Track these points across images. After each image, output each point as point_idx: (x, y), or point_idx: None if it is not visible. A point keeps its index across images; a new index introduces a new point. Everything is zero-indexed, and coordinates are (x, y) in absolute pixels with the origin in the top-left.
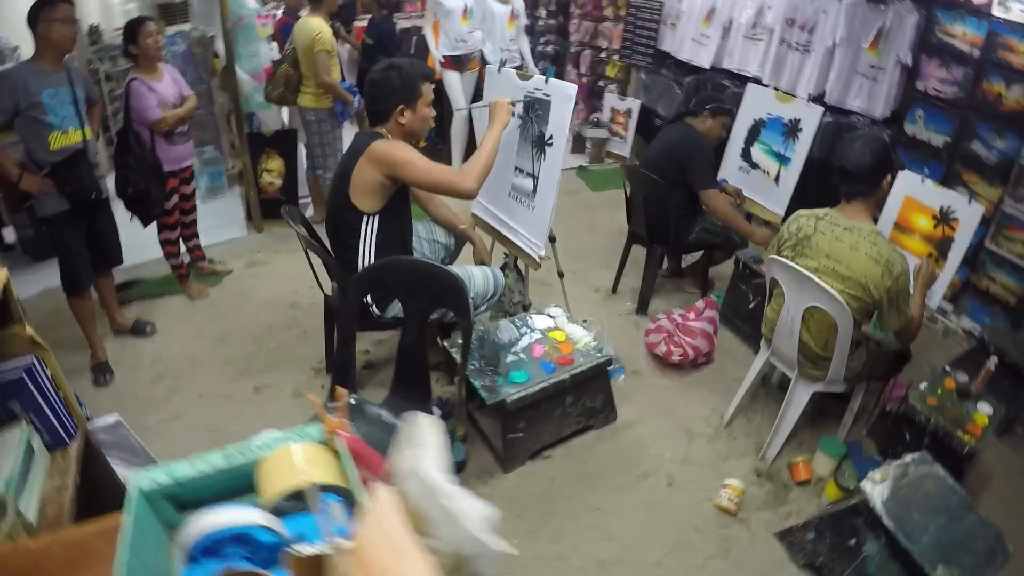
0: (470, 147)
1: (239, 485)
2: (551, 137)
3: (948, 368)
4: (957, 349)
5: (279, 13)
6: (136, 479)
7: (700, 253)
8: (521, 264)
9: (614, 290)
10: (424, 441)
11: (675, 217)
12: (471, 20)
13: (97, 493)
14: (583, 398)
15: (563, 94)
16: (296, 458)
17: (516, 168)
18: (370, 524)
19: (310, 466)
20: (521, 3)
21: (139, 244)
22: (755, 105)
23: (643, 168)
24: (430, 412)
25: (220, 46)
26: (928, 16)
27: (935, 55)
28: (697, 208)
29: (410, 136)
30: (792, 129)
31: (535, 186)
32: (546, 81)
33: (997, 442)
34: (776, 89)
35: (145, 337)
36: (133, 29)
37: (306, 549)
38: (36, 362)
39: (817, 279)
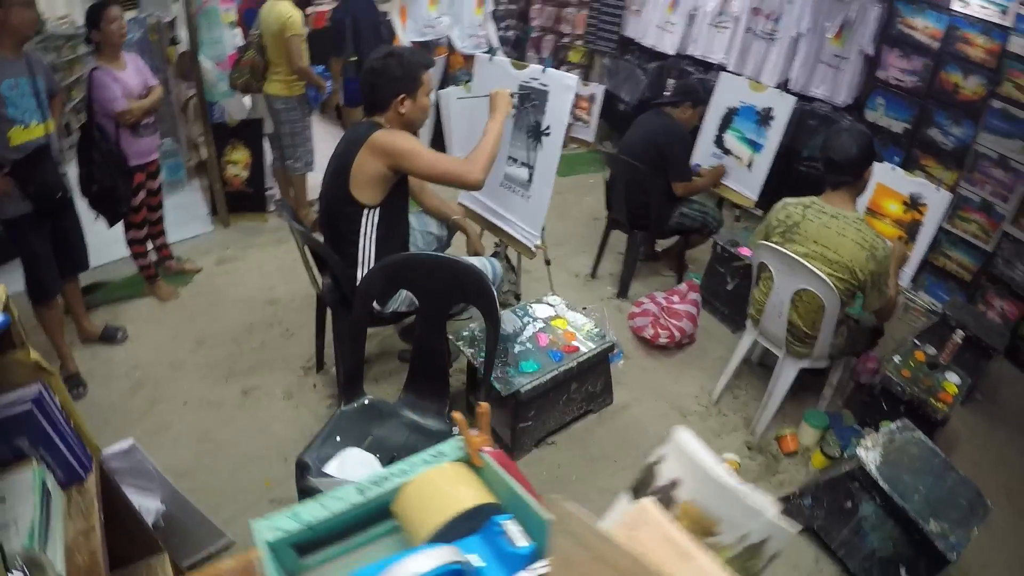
0: (436, 135)
1: (366, 517)
2: (548, 127)
3: (917, 341)
4: (916, 323)
5: None
6: (259, 529)
7: (676, 237)
8: (511, 253)
9: (593, 275)
10: (696, 448)
11: (656, 203)
12: (439, 5)
13: (116, 529)
14: (586, 384)
15: (562, 84)
16: (449, 480)
17: (510, 157)
18: (647, 534)
19: (468, 487)
20: None
21: (101, 244)
22: (728, 93)
23: (622, 155)
24: (447, 408)
25: (179, 33)
26: (890, 8)
27: (896, 46)
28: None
29: (408, 126)
30: (765, 117)
31: (531, 175)
32: (543, 71)
33: (960, 408)
34: (748, 78)
35: (117, 344)
36: (96, 13)
37: None
38: (44, 390)
39: (808, 264)
